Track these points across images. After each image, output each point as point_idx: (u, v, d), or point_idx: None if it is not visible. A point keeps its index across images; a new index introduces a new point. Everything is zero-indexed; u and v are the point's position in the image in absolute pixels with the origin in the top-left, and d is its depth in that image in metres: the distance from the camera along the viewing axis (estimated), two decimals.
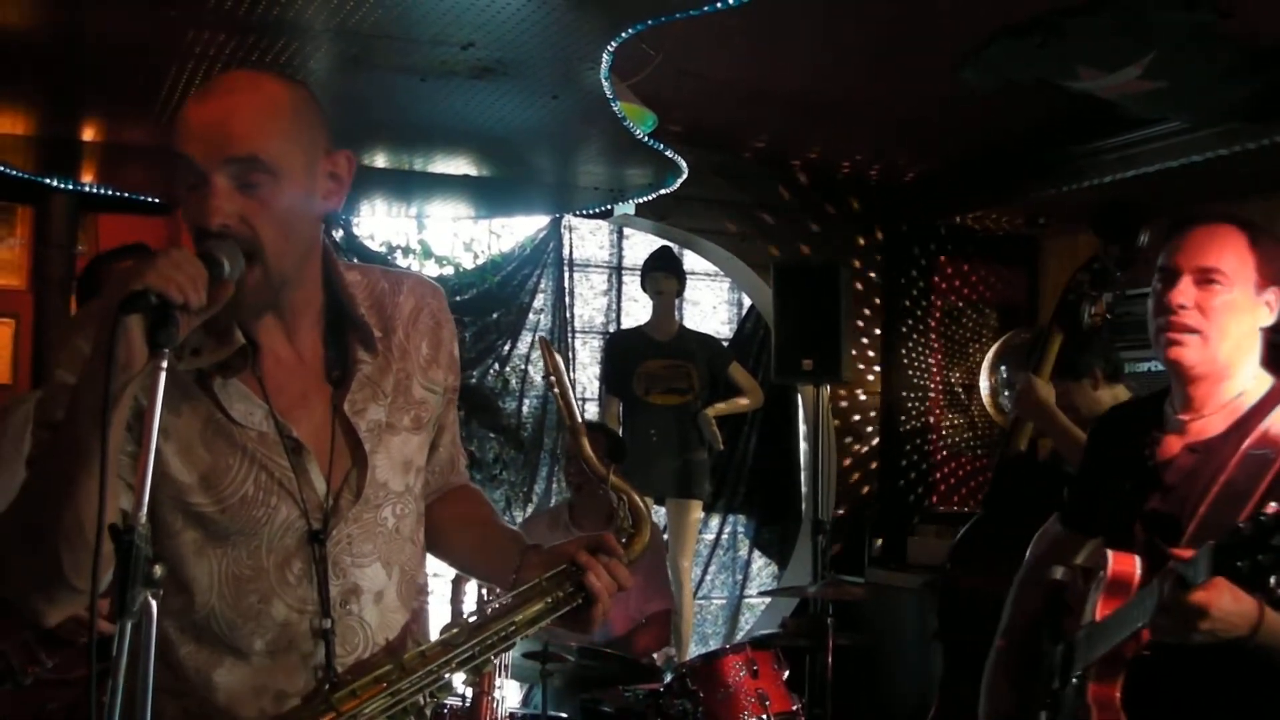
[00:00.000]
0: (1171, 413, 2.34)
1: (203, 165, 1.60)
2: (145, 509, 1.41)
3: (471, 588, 3.85)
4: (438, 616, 1.79)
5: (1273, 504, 1.78)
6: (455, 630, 1.71)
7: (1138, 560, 2.20)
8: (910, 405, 7.07)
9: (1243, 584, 1.81)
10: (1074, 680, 2.25)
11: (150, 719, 1.52)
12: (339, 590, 1.74)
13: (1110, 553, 2.24)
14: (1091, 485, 2.52)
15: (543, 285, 6.91)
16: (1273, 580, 1.75)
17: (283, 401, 1.73)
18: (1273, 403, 2.24)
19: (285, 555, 1.71)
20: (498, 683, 3.75)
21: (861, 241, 7.02)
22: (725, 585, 7.68)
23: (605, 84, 3.83)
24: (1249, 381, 2.29)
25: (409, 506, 1.85)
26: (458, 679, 1.70)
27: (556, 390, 1.80)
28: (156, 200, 5.63)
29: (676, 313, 6.59)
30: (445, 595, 3.94)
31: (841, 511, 6.84)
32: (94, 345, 1.52)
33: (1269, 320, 2.29)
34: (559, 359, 1.81)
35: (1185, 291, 2.23)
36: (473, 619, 1.73)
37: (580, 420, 1.82)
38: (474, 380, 6.60)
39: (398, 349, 1.84)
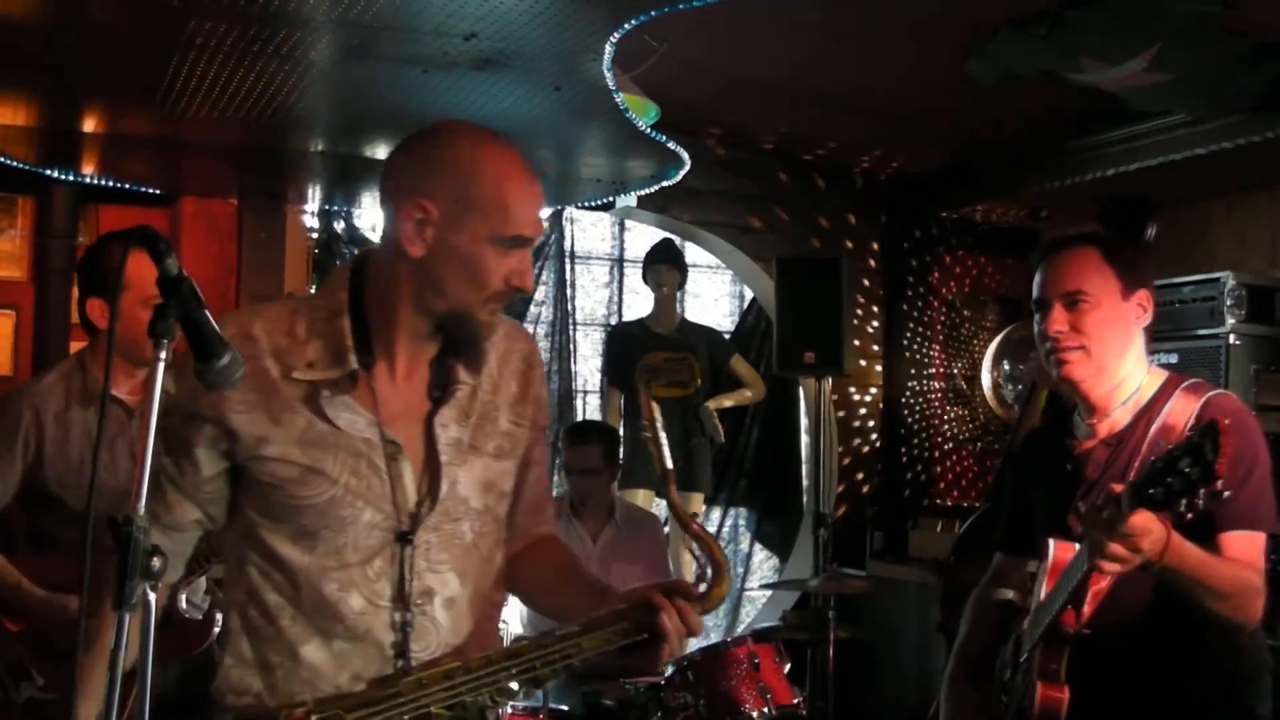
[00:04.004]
0: (1080, 421, 2.58)
1: (535, 239, 1.92)
2: (144, 501, 1.43)
3: None
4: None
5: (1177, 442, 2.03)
6: (523, 643, 1.85)
7: (1077, 546, 2.37)
8: (912, 398, 7.06)
9: (1156, 509, 2.03)
10: (1022, 663, 2.47)
11: (231, 696, 1.88)
12: (414, 590, 1.91)
13: (1053, 541, 2.46)
14: (1021, 506, 2.74)
15: (544, 277, 6.91)
16: (1183, 503, 1.97)
17: (384, 414, 1.91)
18: (1169, 393, 2.47)
19: (368, 554, 1.89)
20: None
21: (864, 234, 7.00)
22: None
23: (607, 75, 3.82)
24: (1142, 378, 2.52)
25: (489, 526, 2.02)
26: (517, 686, 1.82)
27: (649, 435, 1.97)
28: (157, 191, 5.63)
29: (678, 305, 6.58)
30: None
31: (843, 505, 6.83)
32: None
33: (1145, 319, 2.50)
34: (655, 408, 1.99)
35: (1058, 318, 2.47)
36: (546, 637, 1.87)
37: (670, 467, 1.96)
38: None
39: (489, 381, 2.02)
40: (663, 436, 1.96)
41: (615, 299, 7.39)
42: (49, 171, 5.21)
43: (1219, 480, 1.92)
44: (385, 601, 1.89)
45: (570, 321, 7.01)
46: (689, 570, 6.30)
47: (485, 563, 2.02)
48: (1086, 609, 2.33)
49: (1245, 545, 2.32)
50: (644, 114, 4.39)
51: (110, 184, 5.40)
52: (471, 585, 1.98)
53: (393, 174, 1.93)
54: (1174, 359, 4.86)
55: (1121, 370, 2.49)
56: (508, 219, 1.85)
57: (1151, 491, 2.00)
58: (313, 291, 5.89)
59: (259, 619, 1.90)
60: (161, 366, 1.47)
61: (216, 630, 3.19)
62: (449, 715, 1.78)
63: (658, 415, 1.97)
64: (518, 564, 2.14)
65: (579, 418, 6.94)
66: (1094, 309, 2.44)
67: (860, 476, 6.99)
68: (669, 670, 4.16)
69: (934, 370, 7.12)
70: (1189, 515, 2.00)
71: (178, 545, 1.97)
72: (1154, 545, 2.11)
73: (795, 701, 3.99)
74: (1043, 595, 2.44)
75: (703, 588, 1.92)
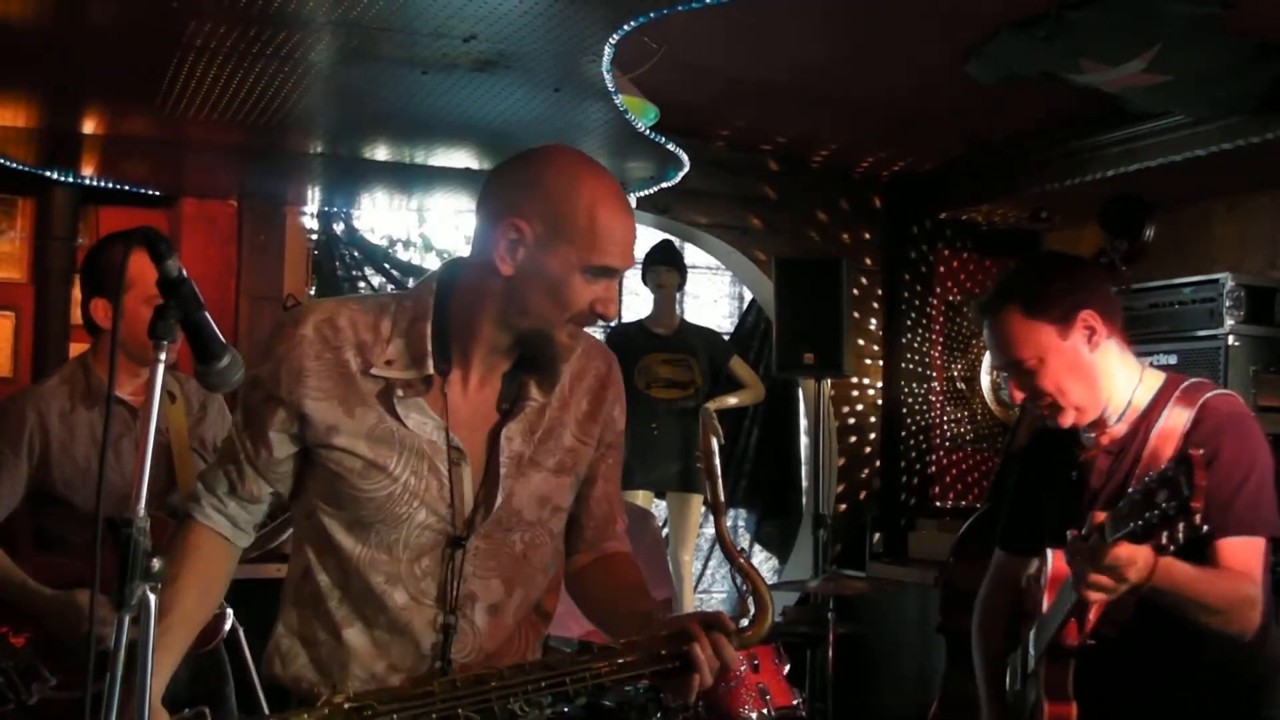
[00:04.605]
0: (1083, 430, 2.54)
1: (623, 270, 1.96)
2: (144, 503, 1.44)
3: None
4: None
5: (1152, 471, 2.01)
6: (558, 656, 1.89)
7: None
8: (911, 399, 7.06)
9: (1136, 541, 2.02)
10: (1030, 675, 2.44)
11: (279, 663, 2.01)
12: (458, 593, 1.98)
13: (1051, 552, 2.43)
14: (1026, 507, 2.71)
15: None
16: (1163, 536, 1.95)
17: (453, 420, 1.97)
18: (1167, 396, 2.44)
19: (418, 552, 1.96)
20: None
21: (864, 235, 7.01)
22: (725, 579, 7.68)
23: (607, 77, 3.83)
24: (1133, 385, 2.47)
25: (542, 539, 2.06)
26: (547, 699, 1.86)
27: (703, 466, 1.97)
28: (157, 193, 5.63)
29: (677, 306, 6.58)
30: None
31: (842, 506, 6.84)
32: None
33: (1100, 335, 2.43)
34: (713, 438, 1.98)
35: (1016, 387, 2.49)
36: (582, 654, 1.89)
37: (721, 500, 1.96)
38: None
39: (558, 398, 2.06)
40: (718, 469, 1.97)
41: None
42: (49, 173, 5.21)
43: (1196, 516, 1.90)
44: (429, 601, 1.97)
45: None
46: (688, 573, 6.30)
47: (536, 574, 2.07)
48: (1091, 617, 2.30)
49: (1243, 551, 2.28)
50: (643, 115, 4.40)
51: (110, 185, 5.41)
52: (519, 595, 2.04)
53: (492, 191, 1.96)
54: (1173, 360, 4.86)
55: (1102, 393, 2.45)
56: (597, 249, 1.89)
57: (1131, 526, 1.99)
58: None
59: (310, 596, 2.00)
60: (161, 367, 1.48)
61: (227, 627, 3.21)
62: (478, 719, 1.83)
63: (715, 448, 1.97)
64: (582, 576, 2.19)
65: None
66: (1040, 368, 2.42)
67: (860, 477, 6.99)
68: None
69: (933, 371, 7.12)
70: (1171, 547, 1.98)
71: (251, 515, 2.06)
72: (1140, 573, 2.11)
73: (795, 703, 3.99)
74: (1044, 608, 2.42)
75: (744, 622, 1.93)
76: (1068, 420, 2.45)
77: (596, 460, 2.14)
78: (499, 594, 2.01)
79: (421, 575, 1.96)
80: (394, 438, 1.94)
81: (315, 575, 1.99)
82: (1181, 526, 1.93)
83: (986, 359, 7.07)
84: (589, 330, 2.10)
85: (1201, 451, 1.91)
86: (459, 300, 1.97)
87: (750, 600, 1.94)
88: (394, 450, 1.94)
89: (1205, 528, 1.94)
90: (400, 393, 1.93)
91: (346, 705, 1.80)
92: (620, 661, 1.87)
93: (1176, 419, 2.38)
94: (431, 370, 1.93)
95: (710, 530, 7.41)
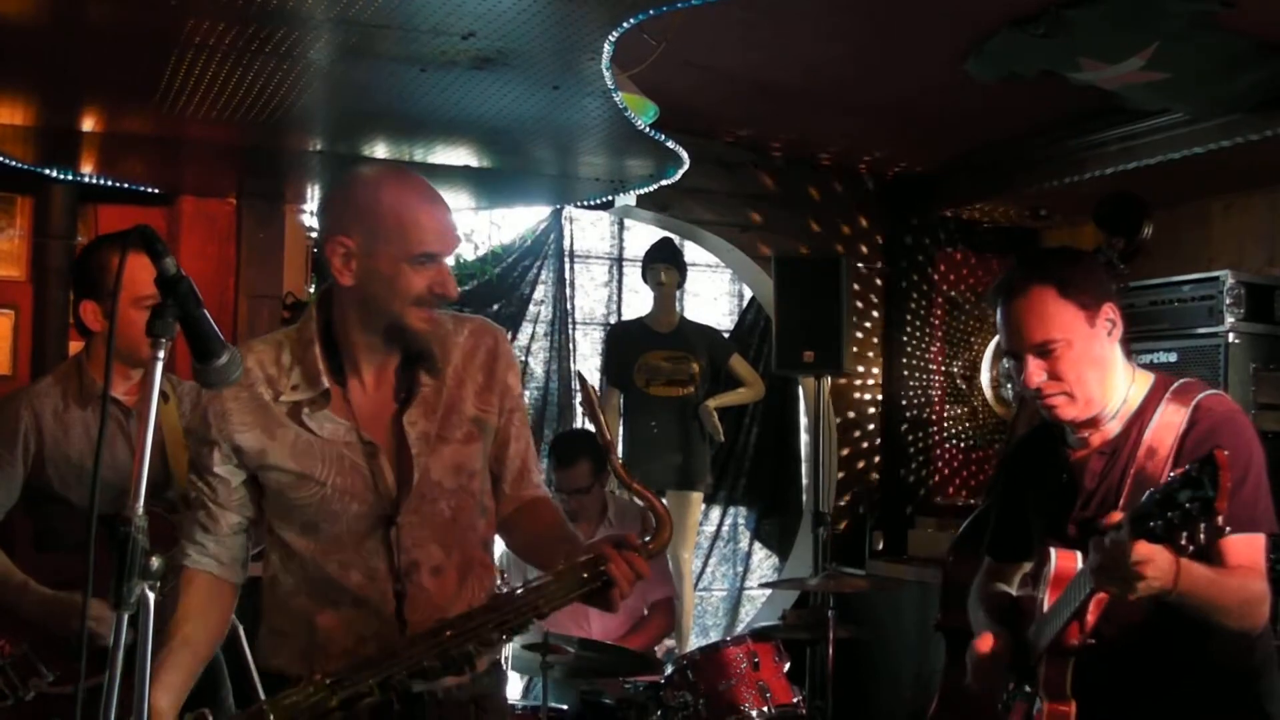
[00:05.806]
0: (1073, 430, 2.54)
1: (444, 253, 2.21)
2: (142, 501, 1.46)
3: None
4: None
5: (1176, 470, 2.03)
6: (499, 599, 2.19)
7: (1078, 555, 2.38)
8: (911, 397, 7.06)
9: (1156, 542, 2.03)
10: (1031, 669, 2.45)
11: (266, 657, 2.32)
12: (402, 564, 2.25)
13: (1054, 550, 2.44)
14: (1011, 513, 2.74)
15: (543, 277, 6.90)
16: (1183, 536, 1.97)
17: (361, 419, 2.26)
18: (1158, 397, 2.45)
19: (361, 537, 2.25)
20: None
21: (863, 232, 7.00)
22: (726, 577, 7.68)
23: (606, 74, 3.82)
24: (1129, 385, 2.49)
25: (465, 501, 2.34)
26: (496, 636, 2.14)
27: (588, 416, 2.27)
28: (156, 190, 5.62)
29: (677, 304, 6.58)
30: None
31: (842, 503, 6.84)
32: None
33: (1118, 331, 2.46)
34: (593, 391, 2.29)
35: (1035, 370, 2.43)
36: (517, 592, 2.17)
37: (610, 439, 2.27)
38: None
39: (454, 377, 2.33)
40: (601, 416, 2.23)
41: (614, 298, 7.39)
42: (47, 171, 5.20)
43: (1219, 517, 1.92)
44: (380, 575, 2.25)
45: (569, 321, 7.00)
46: (688, 571, 6.30)
47: (466, 532, 2.35)
48: (1090, 618, 2.31)
49: (1246, 548, 2.30)
50: (643, 113, 4.39)
51: (109, 183, 5.40)
52: (456, 554, 2.32)
53: (319, 220, 2.27)
54: (1173, 358, 4.86)
55: (1109, 391, 2.45)
56: (412, 240, 2.17)
57: (1151, 525, 1.99)
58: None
59: (282, 595, 2.30)
60: (159, 365, 1.48)
61: None
62: (440, 666, 2.10)
63: (595, 397, 2.27)
64: (508, 525, 2.46)
65: (577, 418, 6.93)
66: (1066, 351, 2.40)
67: (859, 475, 6.99)
68: (669, 669, 4.16)
69: (933, 369, 7.11)
70: (1190, 548, 2.00)
71: (233, 551, 2.33)
72: (1159, 573, 2.10)
73: (794, 700, 4.00)
74: (1046, 607, 2.42)
75: (648, 539, 2.19)
76: (1070, 414, 2.44)
77: (504, 425, 2.41)
78: (439, 557, 2.29)
79: (369, 555, 2.25)
80: (313, 449, 2.23)
81: (281, 577, 2.29)
82: (1203, 527, 1.94)
83: (986, 357, 7.07)
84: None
85: (1228, 452, 1.92)
86: (336, 318, 2.26)
87: (651, 517, 2.22)
88: (317, 460, 2.23)
89: (1228, 529, 1.95)
90: (308, 410, 2.23)
91: (328, 681, 2.07)
92: (551, 590, 2.15)
93: (1170, 418, 2.39)
94: (326, 385, 2.23)
95: (710, 528, 7.43)
